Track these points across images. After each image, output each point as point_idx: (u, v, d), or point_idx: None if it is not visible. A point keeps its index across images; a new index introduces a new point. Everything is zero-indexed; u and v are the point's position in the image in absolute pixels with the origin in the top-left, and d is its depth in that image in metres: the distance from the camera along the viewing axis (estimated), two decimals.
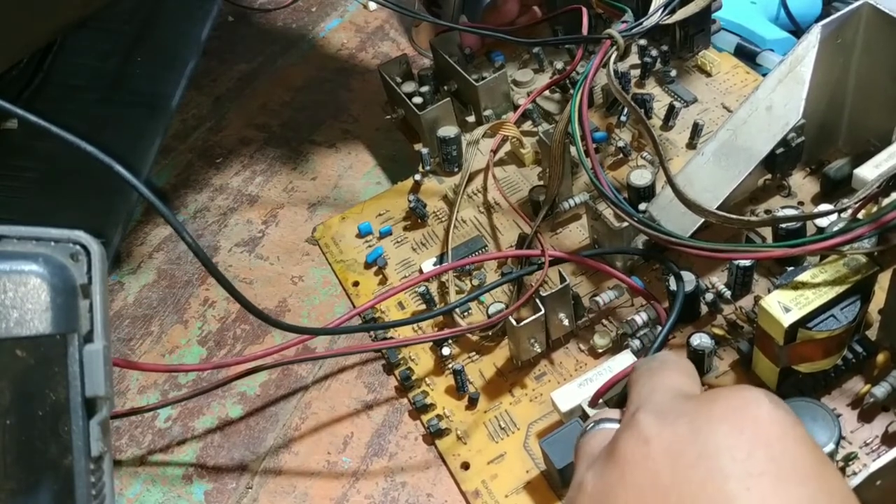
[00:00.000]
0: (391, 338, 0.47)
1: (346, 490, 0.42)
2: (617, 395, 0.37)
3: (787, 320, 0.35)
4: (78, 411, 0.26)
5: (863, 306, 0.36)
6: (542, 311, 0.41)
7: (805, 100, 0.44)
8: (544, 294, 0.41)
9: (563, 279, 0.42)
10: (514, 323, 0.41)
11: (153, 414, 0.46)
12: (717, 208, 0.41)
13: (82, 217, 0.46)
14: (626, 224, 0.43)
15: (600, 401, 0.38)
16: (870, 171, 0.38)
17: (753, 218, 0.39)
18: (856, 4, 0.44)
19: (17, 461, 0.25)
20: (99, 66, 0.48)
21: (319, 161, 0.60)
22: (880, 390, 0.38)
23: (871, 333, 0.40)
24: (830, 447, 0.32)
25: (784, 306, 0.36)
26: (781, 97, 0.44)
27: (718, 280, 0.44)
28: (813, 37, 0.43)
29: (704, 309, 0.44)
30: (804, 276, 0.36)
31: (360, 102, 0.64)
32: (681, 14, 0.48)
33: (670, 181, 0.40)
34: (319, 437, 0.44)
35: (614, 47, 0.45)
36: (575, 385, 0.39)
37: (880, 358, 0.39)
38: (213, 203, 0.58)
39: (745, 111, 0.44)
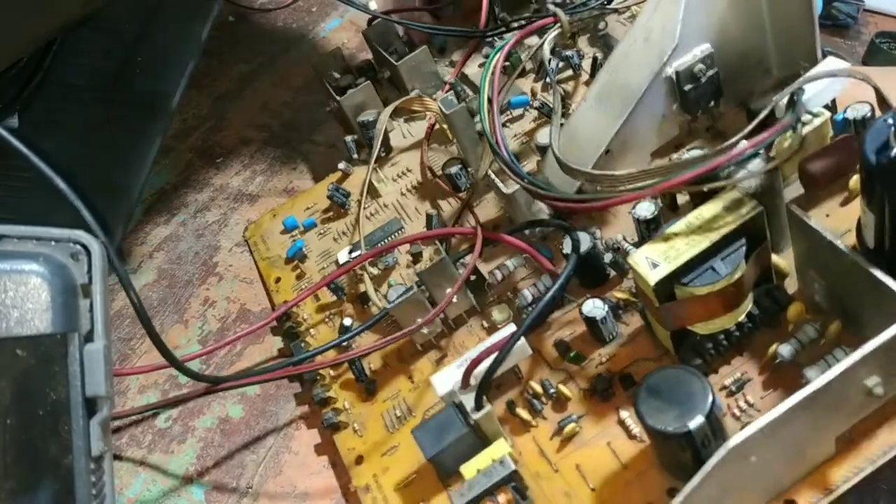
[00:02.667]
0: (304, 343, 0.46)
1: (346, 490, 0.41)
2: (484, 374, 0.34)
3: (654, 277, 0.31)
4: (78, 411, 0.26)
5: (752, 254, 0.32)
6: (414, 290, 0.39)
7: (682, 22, 0.38)
8: (420, 271, 0.39)
9: (439, 252, 0.39)
10: (386, 303, 0.39)
11: (153, 413, 0.46)
12: (613, 158, 0.37)
13: (82, 217, 0.46)
14: (515, 188, 0.40)
15: (471, 381, 0.35)
16: (778, 96, 0.34)
17: (630, 171, 0.33)
18: None
19: (18, 460, 0.25)
20: (99, 65, 0.48)
21: (319, 161, 0.60)
22: (786, 349, 0.33)
23: (793, 286, 0.35)
24: (699, 421, 0.28)
25: (652, 262, 0.31)
26: (659, 23, 0.38)
27: (632, 238, 0.40)
28: None
29: (613, 273, 0.40)
30: (678, 226, 0.32)
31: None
32: None
33: (550, 143, 0.37)
34: (320, 436, 0.44)
35: (557, 25, 0.42)
36: (454, 367, 0.36)
37: (792, 310, 0.34)
38: (213, 203, 0.58)
39: (625, 45, 0.39)
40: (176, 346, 0.49)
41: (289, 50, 0.70)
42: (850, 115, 0.38)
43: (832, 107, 0.39)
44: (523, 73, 0.52)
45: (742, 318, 0.34)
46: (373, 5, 0.73)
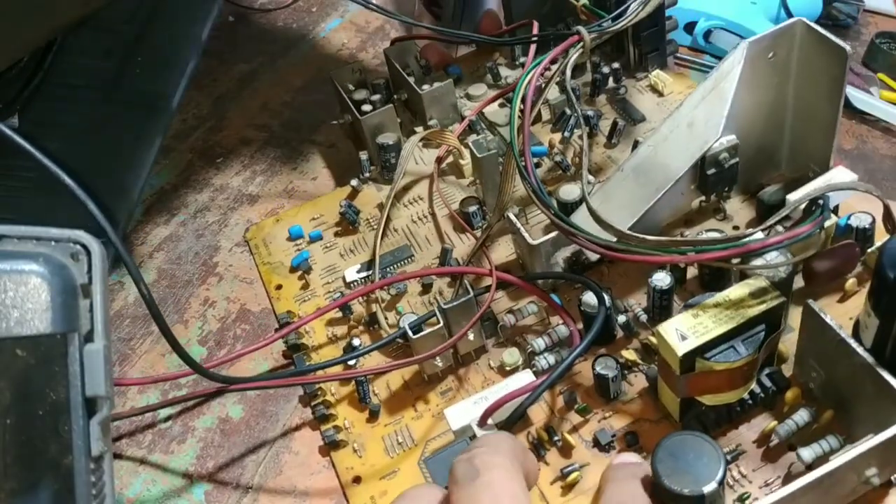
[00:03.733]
0: (307, 354, 0.46)
1: (346, 490, 0.41)
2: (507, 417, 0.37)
3: (682, 349, 0.33)
4: (78, 411, 0.26)
5: (767, 339, 0.35)
6: (441, 324, 0.41)
7: (726, 118, 0.42)
8: (445, 306, 0.40)
9: (467, 291, 0.41)
10: (411, 334, 0.40)
11: (153, 413, 0.46)
12: (634, 228, 0.39)
13: (82, 217, 0.46)
14: (541, 240, 0.42)
15: (489, 421, 0.37)
16: (799, 197, 0.37)
17: (661, 238, 0.37)
18: (789, 22, 0.42)
19: (17, 461, 0.25)
20: (99, 65, 0.48)
21: (319, 161, 0.60)
22: (784, 429, 0.36)
23: (788, 369, 0.39)
24: (713, 486, 0.30)
25: (681, 334, 0.34)
26: (703, 114, 0.42)
27: (637, 303, 0.43)
28: (739, 53, 0.41)
29: (621, 333, 0.42)
30: (706, 304, 0.35)
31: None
32: (646, 10, 0.46)
33: (584, 195, 0.39)
34: (320, 436, 0.44)
35: (580, 44, 0.43)
36: (470, 402, 0.38)
37: (789, 395, 0.37)
38: (213, 203, 0.58)
39: (668, 127, 0.42)
40: None
41: (289, 50, 0.70)
42: (854, 222, 0.41)
43: (835, 211, 0.42)
44: (540, 121, 0.55)
45: (745, 395, 0.36)
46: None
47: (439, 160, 0.53)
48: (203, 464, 0.44)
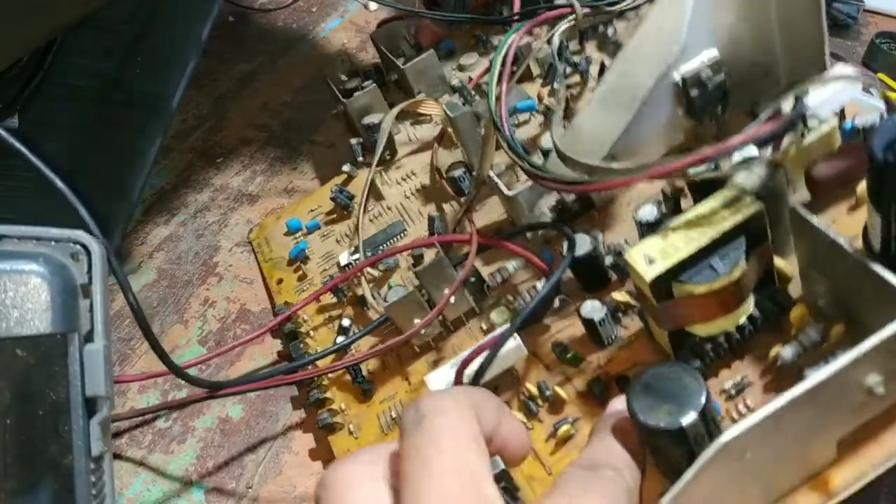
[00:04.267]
0: (304, 345, 0.46)
1: None
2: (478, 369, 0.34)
3: (650, 273, 0.30)
4: (78, 411, 0.26)
5: (752, 253, 0.31)
6: (409, 290, 0.39)
7: (688, 26, 0.38)
8: (415, 269, 0.39)
9: (438, 252, 0.39)
10: (384, 303, 0.38)
11: (154, 414, 0.46)
12: (612, 160, 0.36)
13: (81, 217, 0.46)
14: (517, 190, 0.40)
15: (465, 380, 0.35)
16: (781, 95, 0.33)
17: (626, 164, 0.33)
18: None
19: (18, 460, 0.25)
20: (99, 65, 0.48)
21: (319, 161, 0.60)
22: (789, 351, 0.32)
23: (797, 292, 0.34)
24: (692, 417, 0.27)
25: (649, 258, 0.30)
26: (666, 26, 0.38)
27: (628, 243, 0.40)
28: None
29: (615, 277, 0.40)
30: (676, 223, 0.31)
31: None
32: None
33: (552, 137, 0.37)
34: (320, 436, 0.44)
35: (571, 17, 0.42)
36: (448, 367, 0.36)
37: (794, 314, 0.33)
38: (213, 203, 0.58)
39: (631, 48, 0.39)
40: (176, 347, 0.49)
41: (289, 50, 0.70)
42: (859, 122, 0.37)
43: (840, 115, 0.38)
44: (531, 78, 0.52)
45: (743, 320, 0.33)
46: (373, 6, 0.73)
47: (442, 133, 0.51)
48: (203, 464, 0.44)
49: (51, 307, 0.26)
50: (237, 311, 0.51)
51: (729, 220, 0.31)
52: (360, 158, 0.53)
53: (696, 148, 0.41)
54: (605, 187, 0.34)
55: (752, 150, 0.32)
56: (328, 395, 0.43)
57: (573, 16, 0.42)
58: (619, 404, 0.30)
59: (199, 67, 0.49)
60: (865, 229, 0.32)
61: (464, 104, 0.47)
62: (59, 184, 0.31)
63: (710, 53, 0.39)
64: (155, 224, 0.57)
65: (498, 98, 0.39)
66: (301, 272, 0.50)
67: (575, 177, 0.35)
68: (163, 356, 0.36)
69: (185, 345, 0.50)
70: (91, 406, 0.27)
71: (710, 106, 0.41)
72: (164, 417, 0.46)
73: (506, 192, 0.41)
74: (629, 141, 0.39)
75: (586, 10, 0.42)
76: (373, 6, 0.73)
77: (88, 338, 0.27)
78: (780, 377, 0.33)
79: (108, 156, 0.49)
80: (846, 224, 0.36)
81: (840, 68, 0.36)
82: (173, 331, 0.50)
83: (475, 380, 0.35)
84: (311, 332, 0.46)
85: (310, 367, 0.44)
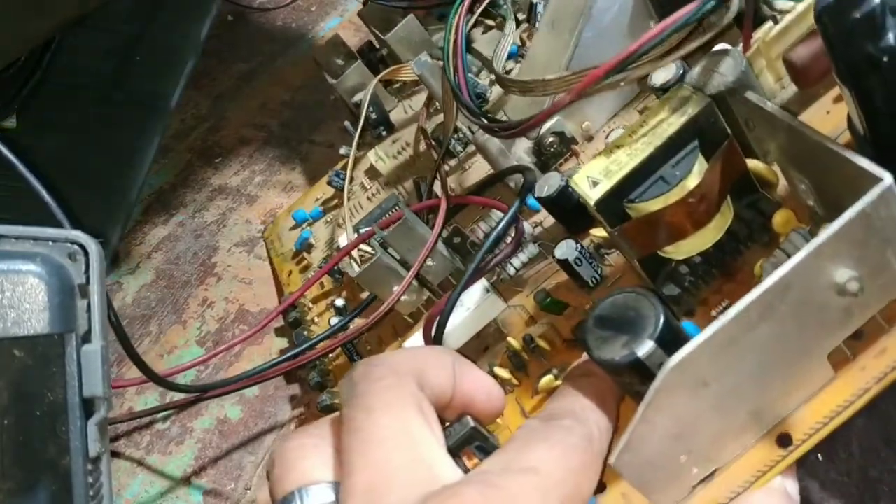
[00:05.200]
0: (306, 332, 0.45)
1: None
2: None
3: (594, 196, 0.27)
4: (76, 411, 0.26)
5: (710, 156, 0.28)
6: (377, 255, 0.37)
7: None
8: (384, 234, 0.37)
9: (404, 215, 0.37)
10: (351, 274, 0.37)
11: (150, 417, 0.46)
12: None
13: (81, 217, 0.46)
14: (486, 136, 0.38)
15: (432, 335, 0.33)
16: None
17: (564, 73, 0.29)
18: None
19: (15, 461, 0.25)
20: (98, 65, 0.48)
21: (319, 161, 0.60)
22: (773, 262, 0.27)
23: (780, 194, 0.31)
24: (648, 347, 0.23)
25: (592, 180, 0.28)
26: None
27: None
28: None
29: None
30: (620, 137, 0.28)
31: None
32: None
33: (494, 69, 0.35)
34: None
35: None
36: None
37: (778, 218, 0.29)
38: (212, 203, 0.58)
39: None
40: (174, 347, 0.49)
41: (288, 49, 0.70)
42: None
43: None
44: (517, 25, 0.48)
45: (721, 235, 0.29)
46: None
47: (427, 104, 0.48)
48: (201, 465, 0.44)
49: (48, 307, 0.26)
50: (236, 311, 0.51)
51: (675, 123, 0.27)
52: (357, 139, 0.50)
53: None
54: (537, 122, 0.31)
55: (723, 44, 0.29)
56: (329, 378, 0.42)
57: None
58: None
59: (197, 67, 0.49)
60: (849, 116, 0.27)
61: (421, 56, 0.43)
62: (46, 196, 0.31)
63: None
64: (153, 224, 0.57)
65: (456, 69, 0.36)
66: (305, 262, 0.49)
67: (511, 122, 0.32)
68: (141, 366, 0.35)
69: (183, 345, 0.49)
70: (88, 407, 0.27)
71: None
72: (163, 418, 0.46)
73: (478, 139, 0.39)
74: (588, 57, 0.36)
75: None
76: None
77: (86, 338, 0.27)
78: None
79: (107, 155, 0.49)
80: (835, 119, 0.31)
81: None
82: (172, 331, 0.50)
83: (437, 334, 0.33)
84: (315, 319, 0.45)
85: (313, 350, 0.42)
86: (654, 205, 0.27)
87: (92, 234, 0.28)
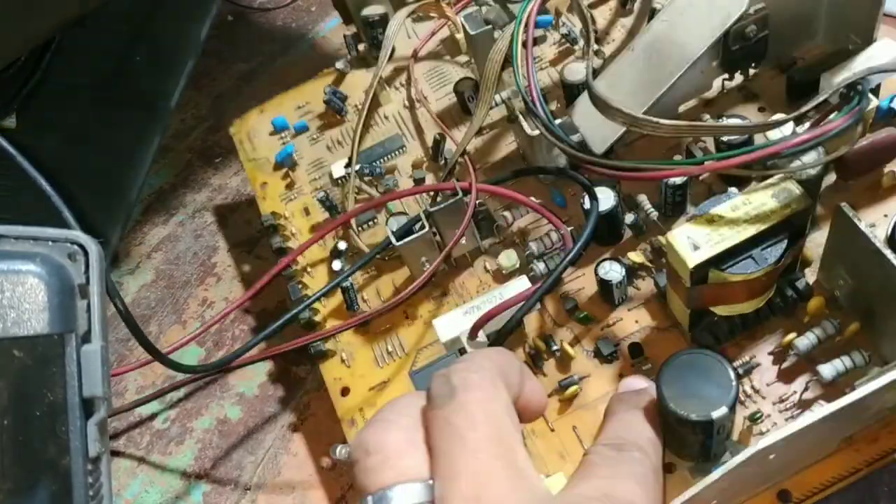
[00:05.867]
0: (299, 280, 0.43)
1: (345, 491, 0.41)
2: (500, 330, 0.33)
3: (694, 260, 0.30)
4: (75, 411, 0.26)
5: (791, 247, 0.31)
6: (427, 229, 0.37)
7: None
8: (431, 210, 0.37)
9: (455, 192, 0.38)
10: (395, 241, 0.37)
11: (152, 414, 0.46)
12: (648, 114, 0.34)
13: (81, 217, 0.46)
14: (536, 132, 0.38)
15: (480, 334, 0.34)
16: (840, 77, 0.33)
17: (676, 122, 0.32)
18: None
19: (15, 461, 0.25)
20: (98, 65, 0.48)
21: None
22: (804, 342, 0.32)
23: (813, 275, 0.35)
24: (722, 411, 0.27)
25: (693, 243, 0.30)
26: None
27: (648, 199, 0.39)
28: None
29: (629, 233, 0.38)
30: (723, 208, 0.31)
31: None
32: None
33: (588, 81, 0.35)
34: (318, 437, 0.43)
35: None
36: (460, 313, 0.35)
37: (812, 304, 0.34)
38: (212, 203, 0.58)
39: (683, 2, 0.37)
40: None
41: (288, 50, 0.70)
42: None
43: (875, 92, 0.37)
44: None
45: (762, 304, 0.33)
46: None
47: (415, 55, 0.46)
48: (201, 465, 0.44)
49: (48, 307, 0.26)
50: (236, 311, 0.51)
51: (777, 215, 0.30)
52: (354, 53, 0.48)
53: (721, 100, 0.41)
54: (662, 175, 0.33)
55: (787, 128, 0.32)
56: (319, 319, 0.41)
57: None
58: (636, 382, 0.30)
59: (197, 67, 0.49)
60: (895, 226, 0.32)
61: (473, 10, 0.42)
62: (47, 187, 0.31)
63: (758, 6, 0.38)
64: (153, 224, 0.57)
65: (528, 76, 0.37)
66: (289, 179, 0.46)
67: (621, 163, 0.33)
68: (149, 347, 0.35)
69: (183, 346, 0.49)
70: (88, 407, 0.26)
71: (746, 60, 0.40)
72: (163, 418, 0.46)
73: (528, 131, 0.38)
74: (666, 93, 0.38)
75: None
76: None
77: (86, 338, 0.27)
78: (788, 364, 0.33)
79: (107, 155, 0.49)
80: (869, 211, 0.36)
81: (886, 46, 0.35)
82: (172, 331, 0.50)
83: (498, 340, 0.34)
84: (309, 269, 0.43)
85: (311, 313, 0.41)
86: (736, 277, 0.30)
87: (92, 234, 0.28)
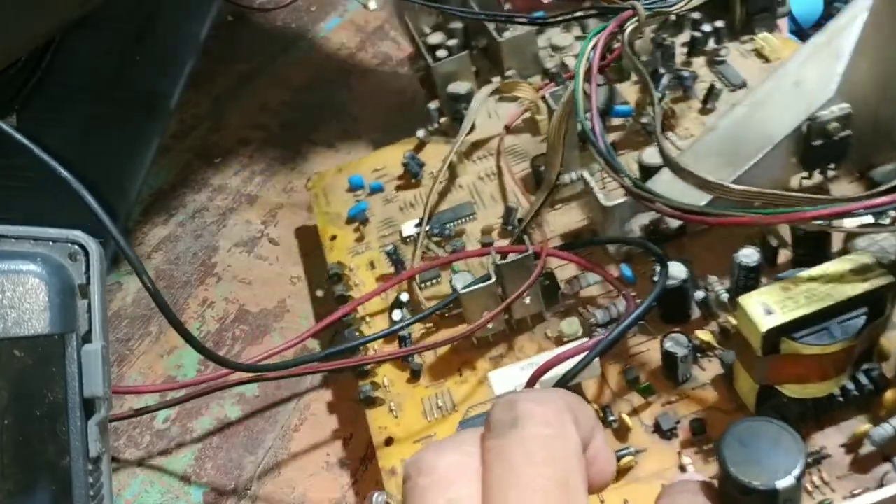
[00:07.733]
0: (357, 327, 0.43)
1: (345, 491, 0.41)
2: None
3: (766, 324, 0.29)
4: (76, 412, 0.26)
5: (868, 326, 0.30)
6: (493, 279, 0.37)
7: (842, 78, 0.37)
8: (499, 262, 0.37)
9: (527, 249, 0.38)
10: (458, 288, 0.37)
11: (152, 415, 0.46)
12: (720, 202, 0.34)
13: (81, 217, 0.46)
14: (616, 202, 0.38)
15: (536, 387, 0.33)
16: None
17: (749, 188, 0.32)
18: None
19: (15, 461, 0.25)
20: (98, 65, 0.48)
21: (319, 161, 0.60)
22: (879, 433, 0.31)
23: (891, 369, 0.33)
24: (789, 482, 0.25)
25: (767, 308, 0.29)
26: (813, 73, 0.37)
27: (719, 281, 0.38)
28: (859, 5, 0.36)
29: (697, 313, 0.38)
30: (799, 277, 0.30)
31: (359, 102, 0.64)
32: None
33: (662, 152, 0.35)
34: (318, 438, 0.43)
35: (634, 19, 0.40)
36: (517, 368, 0.35)
37: (889, 396, 0.32)
38: (212, 203, 0.58)
39: (769, 86, 0.38)
40: (174, 347, 0.49)
41: (288, 50, 0.70)
42: None
43: None
44: (627, 78, 0.50)
45: (835, 389, 0.32)
46: (372, 5, 0.73)
47: (507, 128, 0.48)
48: (201, 465, 0.44)
49: (48, 307, 0.26)
50: (236, 311, 0.51)
51: (858, 287, 0.29)
52: (436, 125, 0.50)
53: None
54: (727, 223, 0.32)
55: (868, 216, 0.32)
56: (373, 367, 0.41)
57: (635, 17, 0.40)
58: (693, 476, 0.29)
59: (197, 67, 0.49)
60: None
61: (557, 89, 0.44)
62: (64, 172, 0.31)
63: (842, 105, 0.38)
64: (153, 224, 0.57)
65: (589, 111, 0.37)
66: (360, 233, 0.48)
67: (684, 204, 0.33)
68: (188, 337, 0.35)
69: (183, 345, 0.49)
70: (89, 407, 0.27)
71: (826, 159, 0.40)
72: (163, 419, 0.46)
73: (603, 201, 0.39)
74: (744, 176, 0.38)
75: (647, 10, 0.40)
76: (372, 5, 0.73)
77: (86, 338, 0.27)
78: (861, 457, 0.32)
79: (107, 155, 0.49)
80: None
81: None
82: (172, 331, 0.50)
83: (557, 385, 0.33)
84: (368, 319, 0.44)
85: (361, 351, 0.42)
86: (810, 350, 0.29)
87: (92, 234, 0.28)
